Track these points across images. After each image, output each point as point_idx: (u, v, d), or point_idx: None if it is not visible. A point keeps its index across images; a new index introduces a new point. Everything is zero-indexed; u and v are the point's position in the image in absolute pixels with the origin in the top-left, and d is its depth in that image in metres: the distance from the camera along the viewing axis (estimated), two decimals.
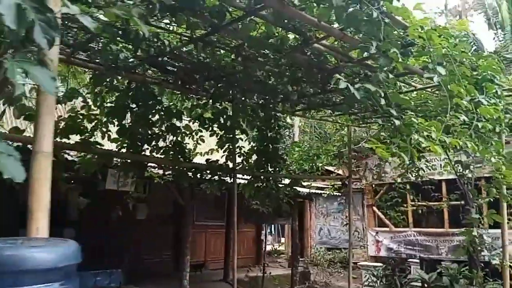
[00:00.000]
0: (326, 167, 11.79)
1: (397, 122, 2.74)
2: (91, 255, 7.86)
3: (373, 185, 9.10)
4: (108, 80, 4.11)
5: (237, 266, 11.33)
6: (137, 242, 9.47)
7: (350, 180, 6.91)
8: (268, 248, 17.11)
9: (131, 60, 4.02)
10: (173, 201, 9.81)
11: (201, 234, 11.60)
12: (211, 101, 4.65)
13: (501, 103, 3.88)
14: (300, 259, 12.03)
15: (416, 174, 6.63)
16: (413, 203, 7.73)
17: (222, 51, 4.06)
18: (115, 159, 4.63)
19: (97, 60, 4.13)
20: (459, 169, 4.92)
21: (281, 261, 14.66)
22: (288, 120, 9.42)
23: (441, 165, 7.58)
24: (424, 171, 6.77)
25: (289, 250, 15.60)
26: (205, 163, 5.04)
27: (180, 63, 4.27)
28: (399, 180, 6.82)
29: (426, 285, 7.59)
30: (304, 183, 7.08)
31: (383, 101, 2.71)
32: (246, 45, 3.71)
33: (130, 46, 3.73)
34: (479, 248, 6.07)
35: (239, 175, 5.99)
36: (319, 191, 8.24)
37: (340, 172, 10.54)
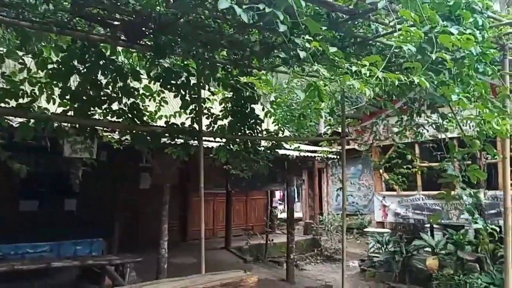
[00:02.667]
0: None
1: (301, 54, 2.22)
2: (87, 225, 7.81)
3: (381, 146, 8.43)
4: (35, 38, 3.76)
5: (259, 232, 11.17)
6: (139, 212, 9.47)
7: (343, 141, 6.36)
8: (284, 215, 16.89)
9: (61, 14, 3.66)
10: (179, 169, 9.68)
11: (209, 202, 11.49)
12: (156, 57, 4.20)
13: (482, 35, 3.18)
14: (312, 226, 11.72)
15: (416, 132, 5.98)
16: (419, 164, 7.02)
17: None
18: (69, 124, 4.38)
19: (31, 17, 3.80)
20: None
21: (298, 228, 14.40)
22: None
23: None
24: (426, 129, 6.08)
25: (307, 216, 15.32)
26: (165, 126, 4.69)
27: (115, 14, 3.84)
28: (397, 139, 6.17)
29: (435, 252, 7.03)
30: (295, 146, 6.55)
31: (283, 28, 2.18)
32: None
33: None
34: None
35: (211, 138, 5.61)
36: (311, 154, 7.71)
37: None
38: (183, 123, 4.94)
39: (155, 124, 4.89)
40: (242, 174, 5.69)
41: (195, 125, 4.93)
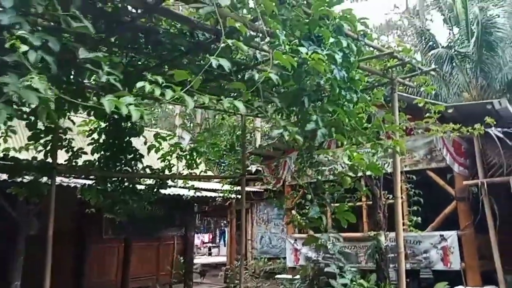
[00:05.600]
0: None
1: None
2: None
3: (293, 186, 8.04)
4: None
5: (161, 284, 10.08)
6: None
7: (243, 180, 5.80)
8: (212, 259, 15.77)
9: None
10: (77, 214, 8.58)
11: (113, 249, 10.25)
12: None
13: (348, 59, 2.82)
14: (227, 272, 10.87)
15: (316, 170, 5.60)
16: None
17: None
18: None
19: None
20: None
21: (220, 274, 13.39)
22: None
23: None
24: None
25: (231, 261, 14.40)
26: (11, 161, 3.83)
27: None
28: (300, 178, 5.74)
29: None
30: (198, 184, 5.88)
31: None
32: None
33: None
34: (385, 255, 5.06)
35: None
36: (209, 194, 7.09)
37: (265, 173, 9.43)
38: (34, 158, 4.11)
39: None
40: (117, 218, 4.89)
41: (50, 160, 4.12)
